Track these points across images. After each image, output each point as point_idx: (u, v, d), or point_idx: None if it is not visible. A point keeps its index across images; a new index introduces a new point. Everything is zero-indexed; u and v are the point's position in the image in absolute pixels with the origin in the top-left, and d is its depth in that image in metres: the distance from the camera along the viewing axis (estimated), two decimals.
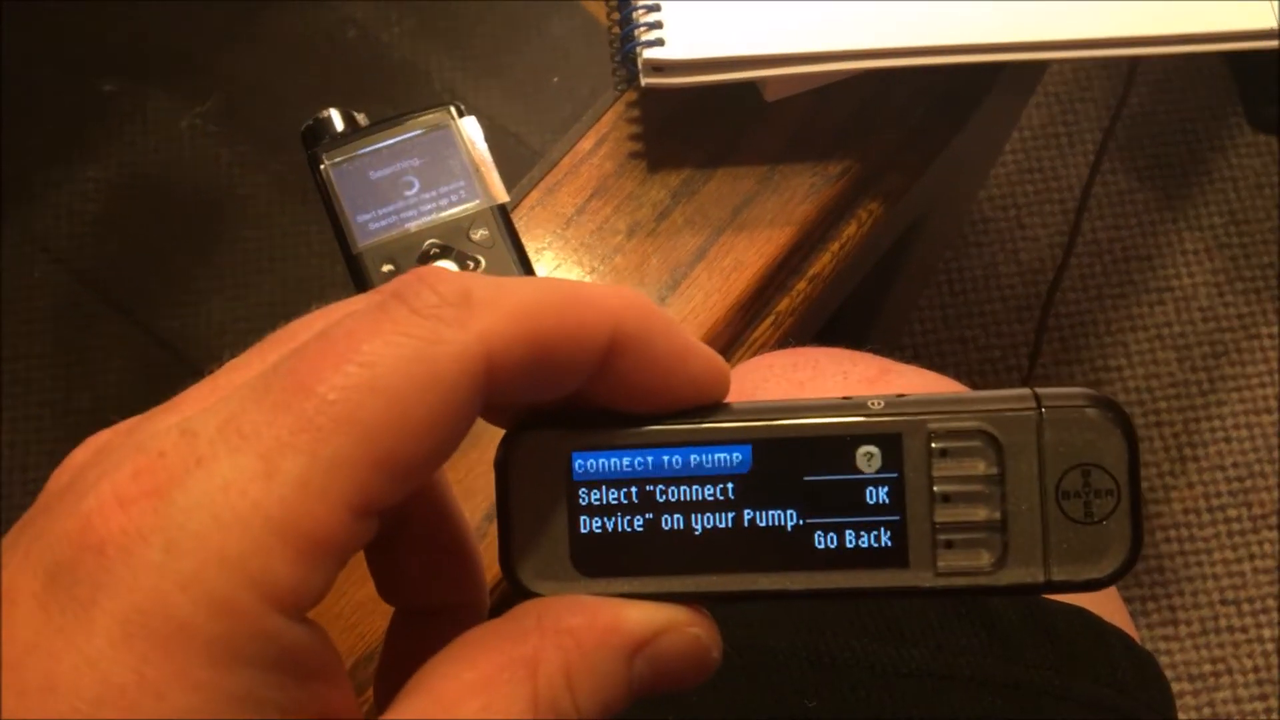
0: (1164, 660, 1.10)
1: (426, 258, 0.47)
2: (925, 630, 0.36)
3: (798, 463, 0.20)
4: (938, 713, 0.34)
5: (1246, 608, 1.12)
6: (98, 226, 0.72)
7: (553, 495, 0.21)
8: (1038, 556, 0.20)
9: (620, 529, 0.21)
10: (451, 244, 0.47)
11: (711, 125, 0.53)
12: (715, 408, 0.21)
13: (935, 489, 0.20)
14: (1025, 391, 0.20)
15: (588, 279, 0.50)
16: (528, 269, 0.47)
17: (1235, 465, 1.17)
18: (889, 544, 0.20)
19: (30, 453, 0.81)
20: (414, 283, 0.19)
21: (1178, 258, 1.25)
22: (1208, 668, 1.10)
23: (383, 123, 0.50)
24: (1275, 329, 1.22)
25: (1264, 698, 1.09)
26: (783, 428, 0.20)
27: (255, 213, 0.74)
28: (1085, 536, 0.20)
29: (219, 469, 0.18)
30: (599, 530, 0.21)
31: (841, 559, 0.20)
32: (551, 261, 0.51)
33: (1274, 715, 1.08)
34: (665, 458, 0.21)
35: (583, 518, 0.21)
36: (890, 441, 0.20)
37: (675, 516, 0.21)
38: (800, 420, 0.20)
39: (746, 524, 0.20)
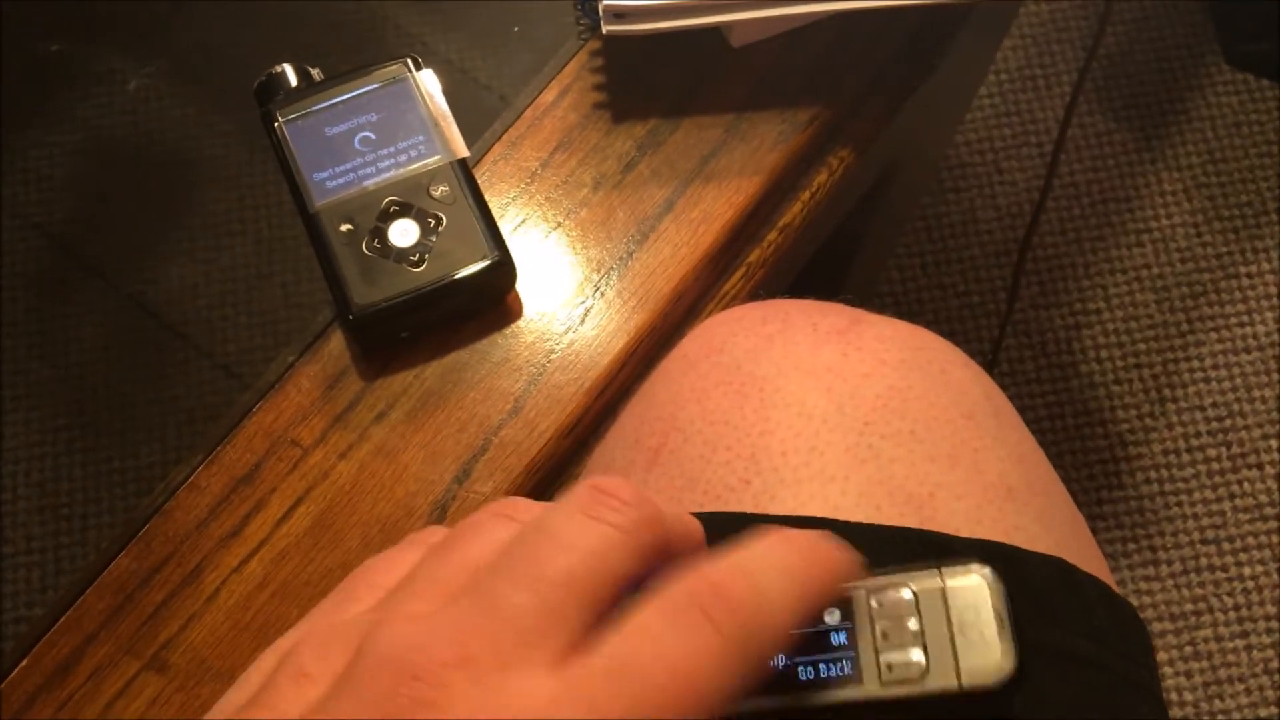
0: (1145, 600, 1.11)
1: (386, 216, 0.46)
2: None
3: None
4: None
5: (1227, 546, 1.13)
6: (66, 191, 0.71)
7: None
8: (952, 670, 0.28)
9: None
10: (411, 201, 0.46)
11: (677, 74, 0.52)
12: None
13: (876, 630, 0.29)
14: (932, 566, 0.29)
15: (553, 234, 0.49)
16: (491, 226, 0.46)
17: (1214, 405, 1.17)
18: (849, 671, 0.29)
19: (5, 421, 0.80)
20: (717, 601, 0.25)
21: (1156, 199, 1.24)
22: (1189, 607, 1.11)
23: (337, 77, 0.49)
24: (1253, 268, 1.21)
25: (1244, 635, 1.09)
26: None
27: (225, 173, 0.72)
28: (983, 655, 0.28)
29: None
30: None
31: (818, 684, 0.29)
32: (516, 217, 0.50)
33: (1254, 652, 1.09)
34: None
35: None
36: (845, 603, 0.29)
37: None
38: None
39: None
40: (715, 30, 0.51)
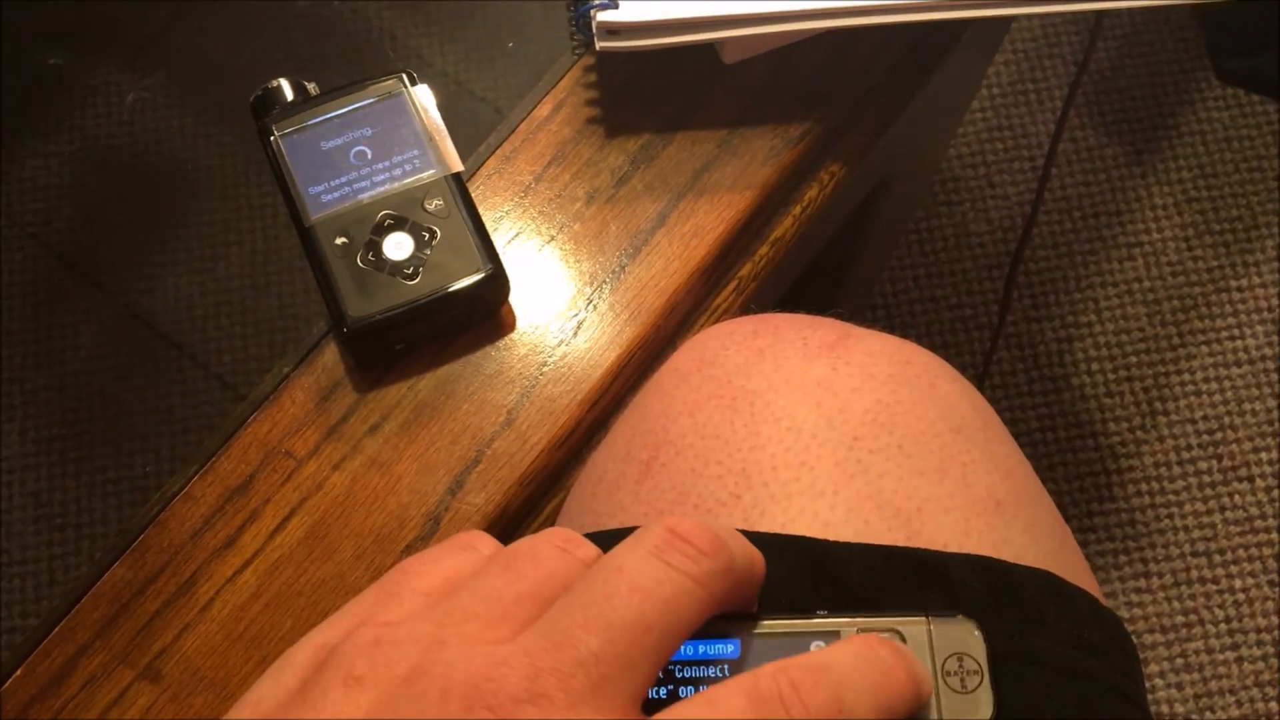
0: (1136, 612, 1.11)
1: (381, 229, 0.46)
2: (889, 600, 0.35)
3: (770, 651, 0.29)
4: None
5: (1217, 559, 1.13)
6: (64, 201, 0.71)
7: None
8: (936, 715, 0.29)
9: (650, 697, 0.28)
10: (406, 215, 0.47)
11: (669, 89, 0.52)
12: (723, 618, 0.29)
13: None
14: (920, 613, 0.30)
15: (547, 247, 0.50)
16: (484, 239, 0.47)
17: (1205, 418, 1.17)
18: None
19: (0, 431, 0.80)
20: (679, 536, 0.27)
21: (1147, 213, 1.25)
22: (1180, 619, 1.11)
23: (334, 92, 0.49)
24: (1244, 282, 1.22)
25: (1235, 647, 1.10)
26: (760, 630, 0.29)
27: (222, 184, 0.73)
28: (963, 701, 0.29)
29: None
30: None
31: None
32: (510, 230, 0.50)
33: (1245, 664, 1.09)
34: (682, 647, 0.28)
35: None
36: (832, 636, 0.29)
37: (688, 688, 0.29)
38: (772, 624, 0.29)
39: None
40: (708, 47, 0.52)
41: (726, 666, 0.29)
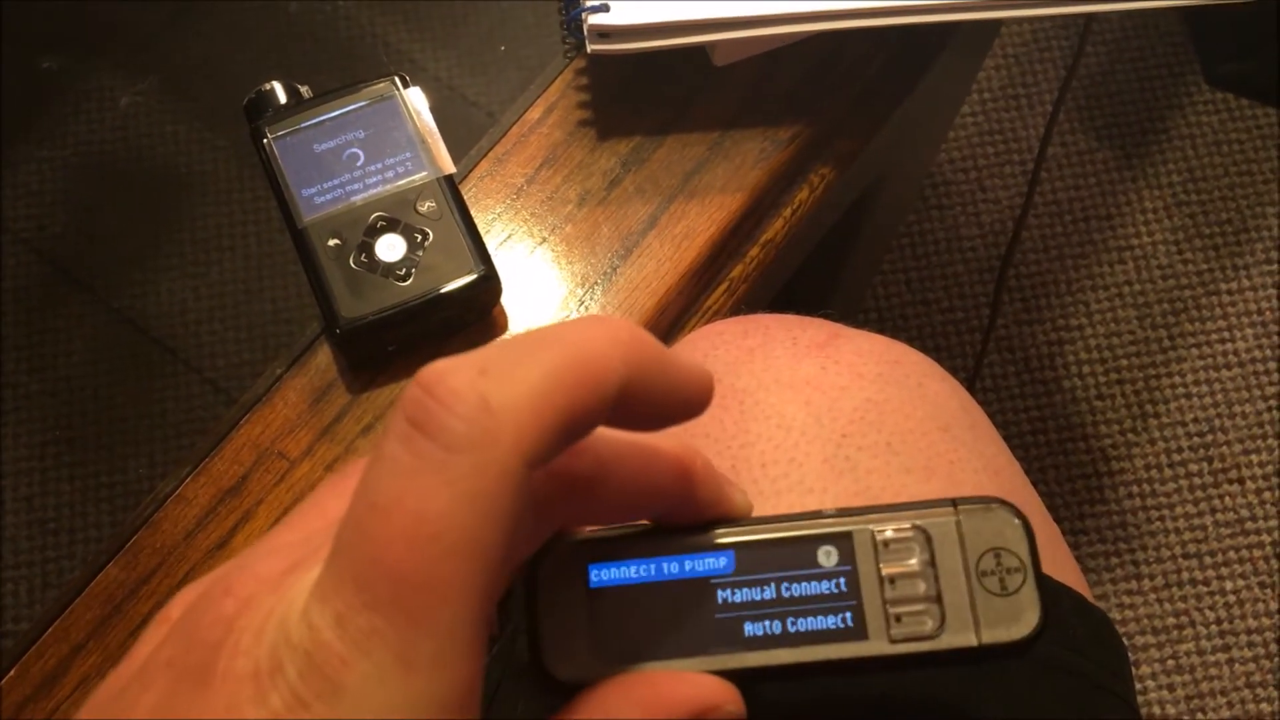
0: (1128, 614, 1.12)
1: (374, 231, 0.47)
2: None
3: (771, 563, 0.25)
4: (891, 681, 0.34)
5: (1208, 560, 1.13)
6: (56, 206, 0.71)
7: (574, 601, 0.25)
8: (970, 624, 0.24)
9: (632, 624, 0.25)
10: (398, 217, 0.47)
11: (661, 91, 0.53)
12: (710, 523, 0.25)
13: (883, 573, 0.25)
14: (945, 500, 0.26)
15: (538, 249, 0.50)
16: (477, 241, 0.47)
17: (1196, 421, 1.18)
18: (850, 623, 0.25)
19: None
20: (430, 407, 0.20)
21: (1137, 216, 1.25)
22: (1170, 620, 1.12)
23: (326, 95, 0.49)
24: (1233, 285, 1.23)
25: (1226, 649, 1.10)
26: (757, 537, 0.25)
27: (215, 188, 0.73)
28: (1004, 606, 0.25)
29: (362, 669, 0.19)
30: (615, 626, 0.25)
31: (814, 637, 0.25)
32: (502, 232, 0.50)
33: (1236, 666, 1.10)
34: (665, 565, 0.25)
35: (600, 617, 0.25)
36: (843, 540, 0.25)
37: (677, 612, 0.25)
38: (770, 531, 0.25)
39: (733, 613, 0.25)
40: (699, 50, 0.52)
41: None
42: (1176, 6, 0.47)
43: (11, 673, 0.43)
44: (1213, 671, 1.09)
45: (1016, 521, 0.25)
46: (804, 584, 0.25)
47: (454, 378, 0.20)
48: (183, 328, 0.78)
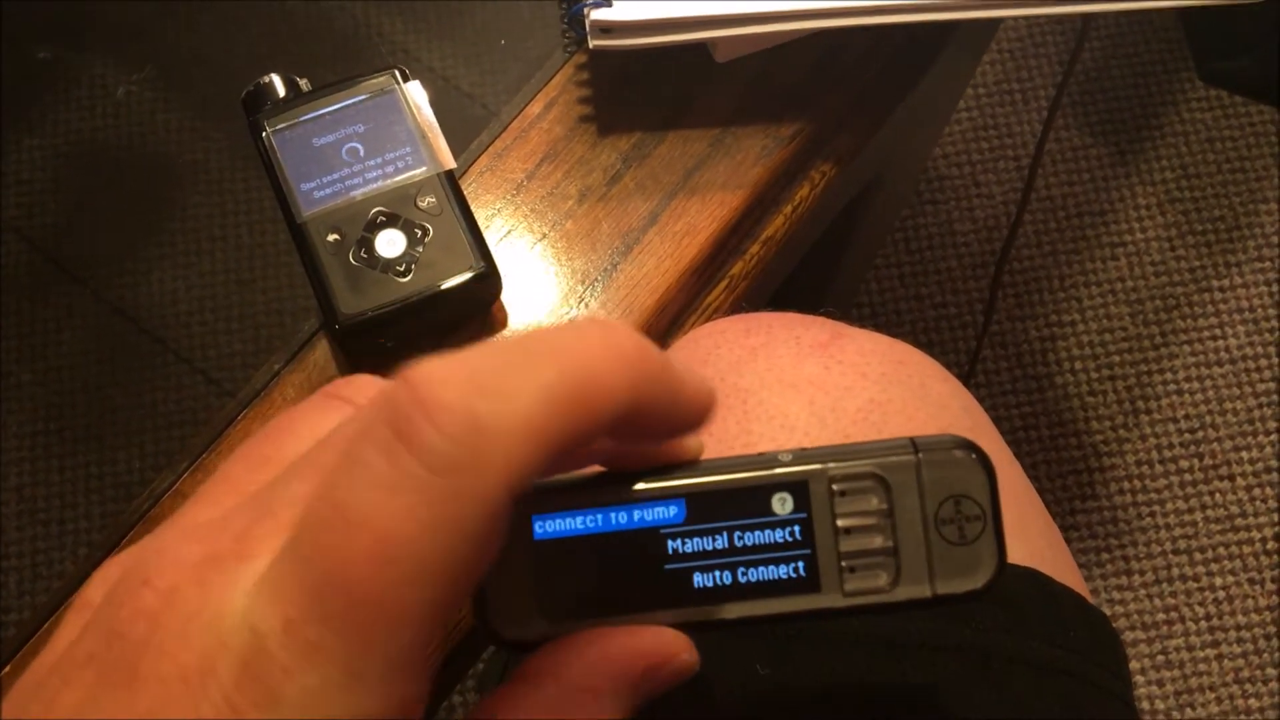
0: (1118, 609, 1.12)
1: (373, 226, 0.46)
2: None
3: (723, 511, 0.24)
4: (888, 678, 0.34)
5: (1198, 556, 1.14)
6: (47, 195, 0.70)
7: (519, 555, 0.24)
8: (925, 575, 0.24)
9: (578, 579, 0.24)
10: (398, 212, 0.47)
11: (662, 88, 0.52)
12: (660, 469, 0.24)
13: (838, 524, 0.24)
14: (905, 440, 0.24)
15: (539, 245, 0.50)
16: (477, 236, 0.47)
17: (1187, 417, 1.18)
18: (803, 573, 0.24)
19: None
20: (415, 419, 0.19)
21: (1130, 213, 1.26)
22: (1161, 616, 1.12)
23: (326, 88, 0.49)
24: (1226, 282, 1.23)
25: (1216, 644, 1.11)
26: (709, 483, 0.24)
27: (207, 179, 0.72)
28: (961, 556, 0.24)
29: (306, 682, 0.19)
30: (561, 581, 0.24)
31: (765, 589, 0.24)
32: (502, 228, 0.50)
33: (1225, 661, 1.10)
34: (613, 515, 0.24)
35: (545, 572, 0.24)
36: (799, 488, 0.24)
37: (625, 565, 0.24)
38: (723, 476, 0.24)
39: (683, 563, 0.24)
40: (700, 46, 0.52)
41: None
42: (1172, 6, 0.47)
43: (6, 670, 0.43)
44: (1202, 667, 1.10)
45: (980, 466, 0.24)
46: (757, 533, 0.24)
47: (445, 391, 0.19)
48: (174, 319, 0.77)
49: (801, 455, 0.24)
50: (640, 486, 0.24)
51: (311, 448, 0.21)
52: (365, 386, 0.24)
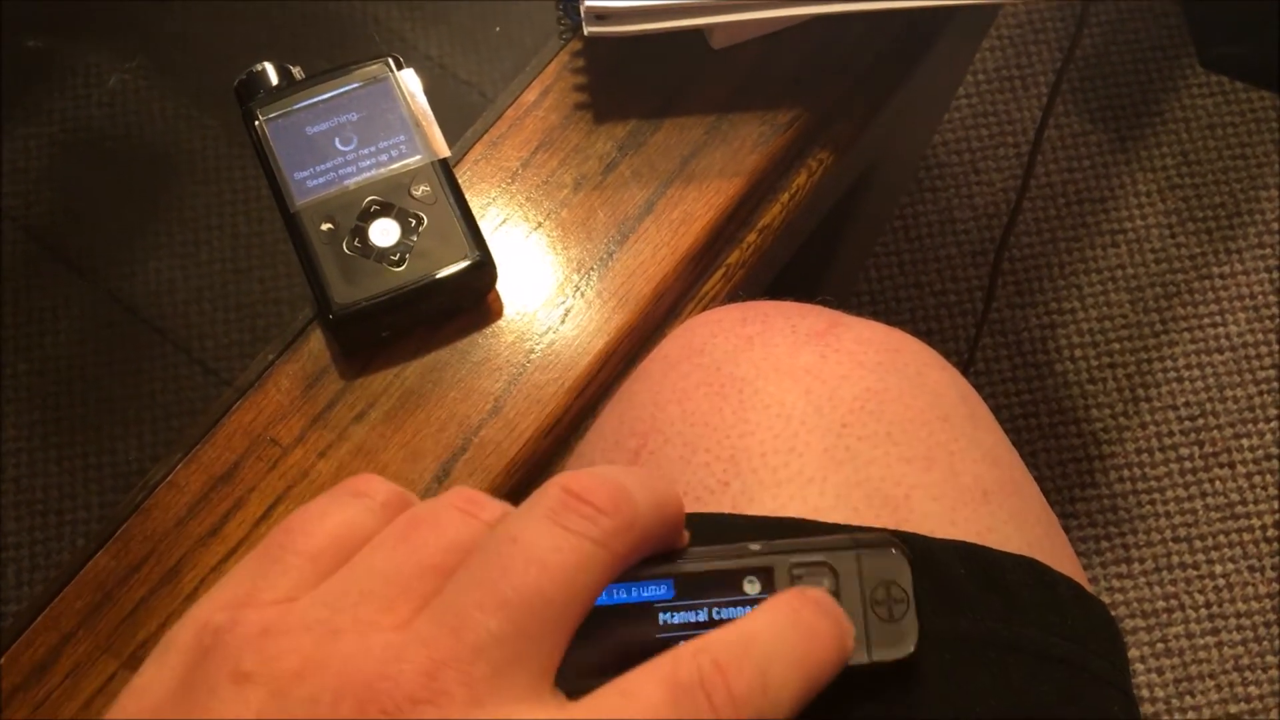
0: (1118, 597, 1.12)
1: (367, 215, 0.46)
2: None
3: (705, 591, 0.29)
4: (883, 669, 0.34)
5: (1198, 544, 1.14)
6: (43, 184, 0.70)
7: None
8: (864, 644, 0.29)
9: (585, 643, 0.27)
10: (392, 201, 0.46)
11: (658, 75, 0.52)
12: (653, 557, 0.29)
13: None
14: (849, 537, 0.30)
15: (534, 234, 0.49)
16: (471, 225, 0.46)
17: (1187, 404, 1.18)
18: None
19: None
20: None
21: (1130, 200, 1.25)
22: (1160, 604, 1.12)
23: (319, 76, 0.49)
24: (1226, 269, 1.22)
25: (1215, 632, 1.11)
26: (693, 569, 0.29)
27: (204, 168, 0.72)
28: (891, 630, 0.30)
29: None
30: (570, 645, 0.27)
31: None
32: (497, 216, 0.50)
33: (1225, 649, 1.10)
34: (616, 591, 0.28)
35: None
36: (765, 572, 0.29)
37: (624, 632, 0.29)
38: (705, 564, 0.29)
39: (672, 633, 0.29)
40: (696, 32, 0.52)
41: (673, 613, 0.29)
42: None
43: (0, 661, 0.43)
44: (1201, 655, 1.10)
45: (904, 561, 0.30)
46: (732, 609, 0.29)
47: (613, 490, 0.26)
48: (171, 308, 0.77)
49: (769, 547, 0.30)
50: (638, 569, 0.29)
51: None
52: (491, 506, 0.28)
